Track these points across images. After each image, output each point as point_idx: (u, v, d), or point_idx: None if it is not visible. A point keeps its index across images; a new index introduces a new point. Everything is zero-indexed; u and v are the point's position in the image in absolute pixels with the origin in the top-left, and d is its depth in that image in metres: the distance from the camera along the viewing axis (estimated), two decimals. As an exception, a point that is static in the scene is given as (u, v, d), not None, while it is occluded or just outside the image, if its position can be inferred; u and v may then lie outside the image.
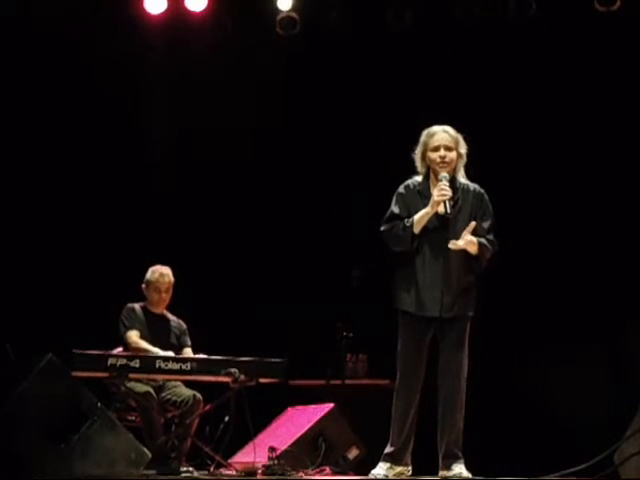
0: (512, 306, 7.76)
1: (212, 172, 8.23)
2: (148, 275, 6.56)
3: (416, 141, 5.46)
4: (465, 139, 5.43)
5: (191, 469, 5.96)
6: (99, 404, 5.18)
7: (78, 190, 8.11)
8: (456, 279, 5.29)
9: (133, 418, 6.20)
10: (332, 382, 7.62)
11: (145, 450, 5.29)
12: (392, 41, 7.97)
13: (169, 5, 7.87)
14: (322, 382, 7.63)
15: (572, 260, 7.82)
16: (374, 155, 7.89)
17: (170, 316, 6.61)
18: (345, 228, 7.92)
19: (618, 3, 7.46)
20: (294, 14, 7.83)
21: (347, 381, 7.69)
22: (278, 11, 7.83)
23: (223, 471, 5.99)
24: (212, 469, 5.96)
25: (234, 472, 5.87)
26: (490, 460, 5.51)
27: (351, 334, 7.68)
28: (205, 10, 7.90)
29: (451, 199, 5.25)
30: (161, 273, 6.53)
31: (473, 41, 7.91)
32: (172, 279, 6.55)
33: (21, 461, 4.93)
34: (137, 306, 6.51)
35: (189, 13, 7.90)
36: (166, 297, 6.53)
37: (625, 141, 7.78)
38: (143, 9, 7.85)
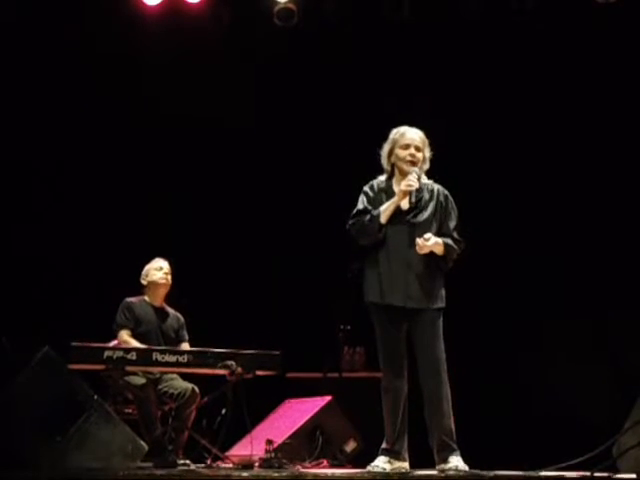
0: (511, 301, 7.78)
1: (211, 165, 8.21)
2: (146, 267, 6.58)
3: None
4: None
5: (188, 462, 5.97)
6: (96, 397, 5.16)
7: (77, 183, 8.10)
8: (420, 272, 5.31)
9: (130, 411, 6.20)
10: (329, 375, 7.63)
11: (142, 443, 5.27)
12: (390, 32, 7.95)
13: (165, -4, 7.85)
14: (319, 375, 7.64)
15: (570, 254, 7.83)
16: (374, 147, 7.86)
17: (169, 309, 6.61)
18: (343, 220, 7.90)
19: (617, -5, 7.45)
20: (292, 5, 7.81)
21: (344, 374, 7.71)
22: (276, 2, 7.81)
23: (220, 464, 5.99)
24: (209, 462, 5.96)
25: (231, 465, 5.87)
26: (488, 454, 5.50)
27: (348, 327, 7.68)
28: (202, 1, 7.88)
29: (417, 192, 5.33)
30: (157, 260, 6.59)
31: (472, 33, 7.90)
32: (169, 268, 6.56)
33: (17, 454, 4.91)
34: (135, 300, 6.50)
35: (186, 4, 7.88)
36: (166, 280, 6.51)
37: (623, 134, 7.78)
38: (139, 0, 7.82)
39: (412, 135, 5.46)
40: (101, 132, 8.13)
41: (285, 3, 7.79)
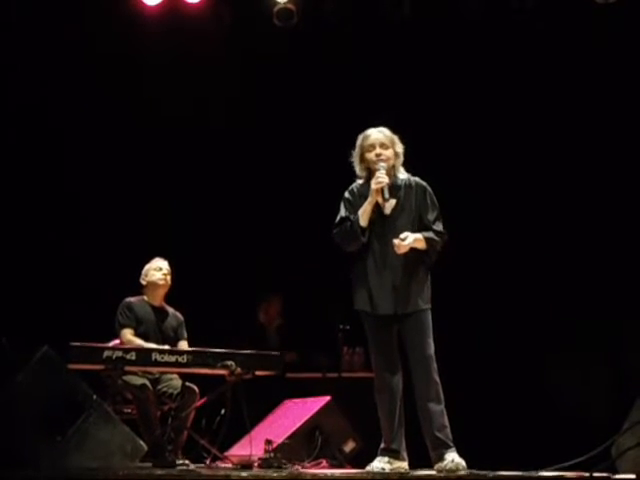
0: (511, 301, 7.78)
1: (210, 166, 8.21)
2: (145, 267, 6.58)
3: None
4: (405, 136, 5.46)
5: (187, 462, 5.96)
6: (95, 397, 5.16)
7: (76, 184, 8.10)
8: (406, 276, 5.32)
9: (129, 411, 6.19)
10: (329, 375, 7.63)
11: (141, 443, 5.27)
12: (390, 32, 7.95)
13: (165, -4, 7.85)
14: (319, 375, 7.64)
15: (570, 254, 7.85)
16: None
17: (168, 308, 6.61)
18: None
19: (616, -5, 7.45)
20: (291, 5, 7.81)
21: (343, 374, 7.72)
22: (275, 2, 7.82)
23: (219, 464, 5.99)
24: (208, 462, 5.96)
25: (230, 465, 5.87)
26: (488, 454, 5.50)
27: (348, 327, 7.69)
28: (202, 1, 7.88)
29: (389, 186, 5.30)
30: (156, 260, 6.59)
31: (472, 32, 7.90)
32: (168, 268, 6.57)
33: (17, 453, 4.91)
34: (134, 300, 6.50)
35: (186, 4, 7.88)
36: (165, 280, 6.51)
37: (623, 133, 7.78)
38: (139, 0, 7.83)
39: (376, 135, 5.46)
40: (101, 132, 8.13)
41: (285, 3, 7.79)
